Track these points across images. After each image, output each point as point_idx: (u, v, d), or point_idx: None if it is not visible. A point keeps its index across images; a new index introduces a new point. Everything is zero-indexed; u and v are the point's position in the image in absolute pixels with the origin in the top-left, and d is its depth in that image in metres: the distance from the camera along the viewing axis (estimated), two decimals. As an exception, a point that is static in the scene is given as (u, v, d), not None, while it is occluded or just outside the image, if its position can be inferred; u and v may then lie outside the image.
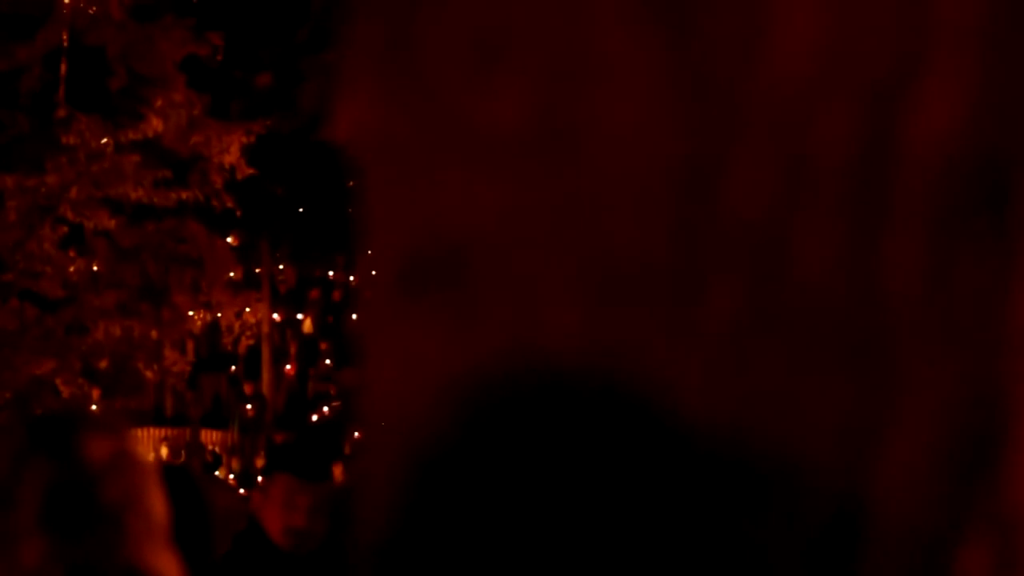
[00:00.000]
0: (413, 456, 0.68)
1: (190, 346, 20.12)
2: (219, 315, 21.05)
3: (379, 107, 0.71)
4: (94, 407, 18.29)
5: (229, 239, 21.86)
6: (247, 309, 21.94)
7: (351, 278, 30.42)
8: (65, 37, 17.25)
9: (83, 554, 2.06)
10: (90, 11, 17.28)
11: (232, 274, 21.37)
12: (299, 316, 28.99)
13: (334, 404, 26.85)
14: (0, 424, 2.34)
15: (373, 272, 0.73)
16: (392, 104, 0.70)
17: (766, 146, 0.64)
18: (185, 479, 3.52)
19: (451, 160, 0.68)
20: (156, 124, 17.03)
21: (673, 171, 0.64)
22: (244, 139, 18.95)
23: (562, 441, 0.65)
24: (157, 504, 2.16)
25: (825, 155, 0.65)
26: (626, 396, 0.65)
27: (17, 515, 2.05)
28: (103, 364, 16.98)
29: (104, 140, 16.36)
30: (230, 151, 18.73)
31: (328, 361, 28.57)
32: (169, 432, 24.59)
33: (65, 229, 16.47)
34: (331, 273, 29.93)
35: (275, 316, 26.05)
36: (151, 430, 24.37)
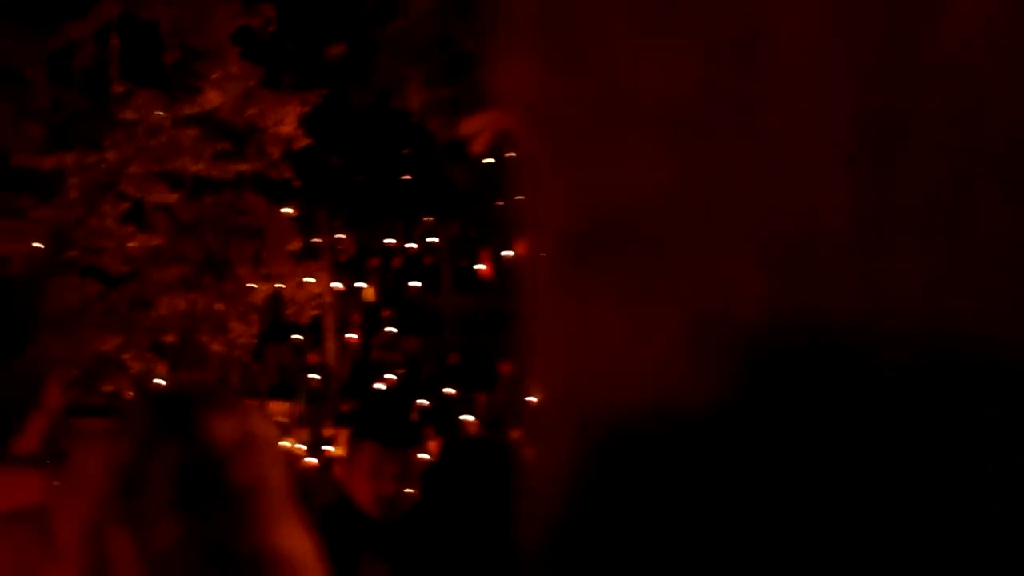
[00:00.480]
0: (592, 430, 0.67)
1: (253, 318, 20.09)
2: (281, 286, 21.06)
3: (539, 79, 0.70)
4: (161, 381, 18.40)
5: (288, 209, 21.89)
6: (309, 279, 21.95)
7: (410, 245, 30.50)
8: (117, 12, 17.24)
9: (216, 534, 2.06)
10: (141, -15, 17.28)
11: (292, 245, 21.38)
12: (360, 285, 29.00)
13: (398, 372, 26.90)
14: (117, 406, 2.30)
15: (534, 244, 0.72)
16: (554, 76, 0.69)
17: (951, 105, 0.63)
18: None
19: (620, 131, 0.67)
20: (213, 97, 17.03)
21: (852, 134, 0.63)
22: (300, 109, 18.94)
23: (788, 408, 0.64)
24: (285, 482, 2.17)
25: (1003, 119, 0.64)
26: (828, 351, 0.64)
27: (149, 496, 2.04)
28: (169, 338, 17.01)
29: (162, 114, 16.35)
30: (286, 122, 18.74)
31: (391, 329, 28.59)
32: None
33: (126, 205, 16.48)
34: (390, 240, 29.90)
35: (336, 285, 26.04)
36: (216, 402, 24.43)
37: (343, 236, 27.18)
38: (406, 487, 4.91)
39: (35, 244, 15.80)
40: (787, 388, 0.61)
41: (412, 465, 5.08)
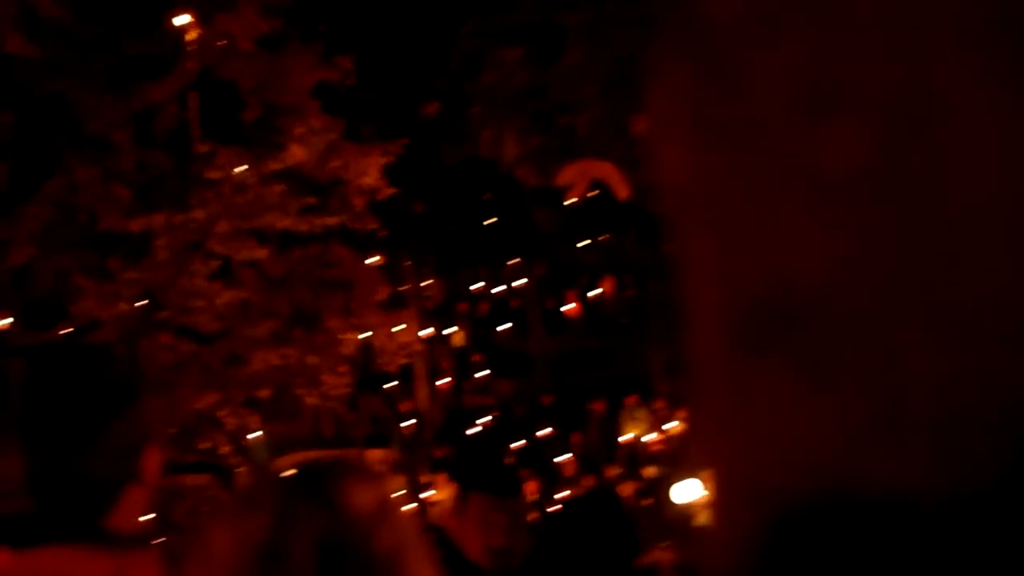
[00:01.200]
0: (767, 526, 0.61)
1: (345, 368, 20.12)
2: (371, 336, 21.08)
3: (700, 155, 0.65)
4: (256, 435, 18.44)
5: (374, 259, 21.88)
6: (398, 328, 21.96)
7: (497, 289, 30.50)
8: (196, 72, 17.35)
9: None
10: (218, 44, 17.37)
11: (380, 294, 21.39)
12: (449, 330, 29.01)
13: (492, 415, 26.85)
14: (260, 475, 2.23)
15: (697, 330, 0.67)
16: (715, 152, 0.64)
17: None
18: None
19: (788, 208, 0.62)
20: (296, 152, 17.08)
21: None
22: (382, 160, 18.99)
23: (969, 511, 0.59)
24: (424, 546, 2.13)
25: None
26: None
27: (291, 566, 2.00)
28: (264, 393, 17.03)
29: (246, 171, 16.41)
30: (369, 173, 18.79)
31: (482, 373, 28.53)
32: (332, 454, 24.67)
33: (215, 262, 16.53)
34: (477, 285, 29.92)
35: (426, 332, 26.06)
36: (312, 453, 24.48)
37: (430, 283, 27.25)
38: (516, 537, 4.80)
39: (126, 306, 15.83)
40: (985, 473, 0.54)
41: (520, 514, 5.05)
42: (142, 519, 2.52)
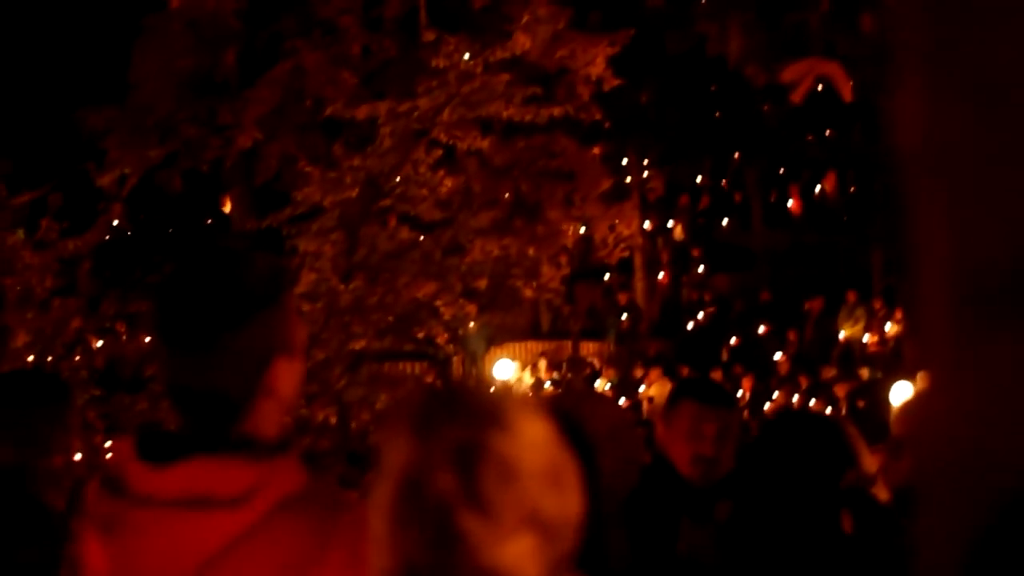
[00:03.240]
0: (993, 513, 0.68)
1: (564, 260, 19.86)
2: (592, 228, 20.81)
3: (938, 113, 0.71)
4: (472, 324, 18.28)
5: (595, 150, 21.63)
6: (618, 220, 21.63)
7: (721, 182, 30.00)
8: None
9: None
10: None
11: (602, 186, 21.08)
12: (670, 223, 28.68)
13: (708, 311, 26.45)
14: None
15: (926, 290, 0.73)
16: (957, 110, 0.70)
17: None
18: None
19: None
20: (523, 41, 16.71)
21: None
22: (609, 50, 18.57)
23: None
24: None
25: None
26: None
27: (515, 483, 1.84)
28: (482, 283, 16.85)
29: (472, 60, 16.10)
30: (595, 63, 18.41)
31: (701, 267, 28.23)
32: (547, 346, 24.56)
33: (438, 151, 16.33)
34: (699, 178, 29.46)
35: (646, 225, 25.70)
36: (529, 344, 24.38)
37: (652, 175, 26.89)
38: (724, 448, 4.50)
39: (348, 192, 15.71)
40: None
41: (731, 425, 4.60)
42: (275, 429, 2.41)
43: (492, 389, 2.01)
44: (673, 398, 4.68)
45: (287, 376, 2.40)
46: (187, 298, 2.36)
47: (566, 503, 1.87)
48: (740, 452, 4.54)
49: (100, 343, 13.83)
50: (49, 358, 12.50)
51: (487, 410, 1.88)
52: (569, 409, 2.60)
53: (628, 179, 25.12)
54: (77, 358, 12.85)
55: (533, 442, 1.86)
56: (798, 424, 4.07)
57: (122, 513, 2.35)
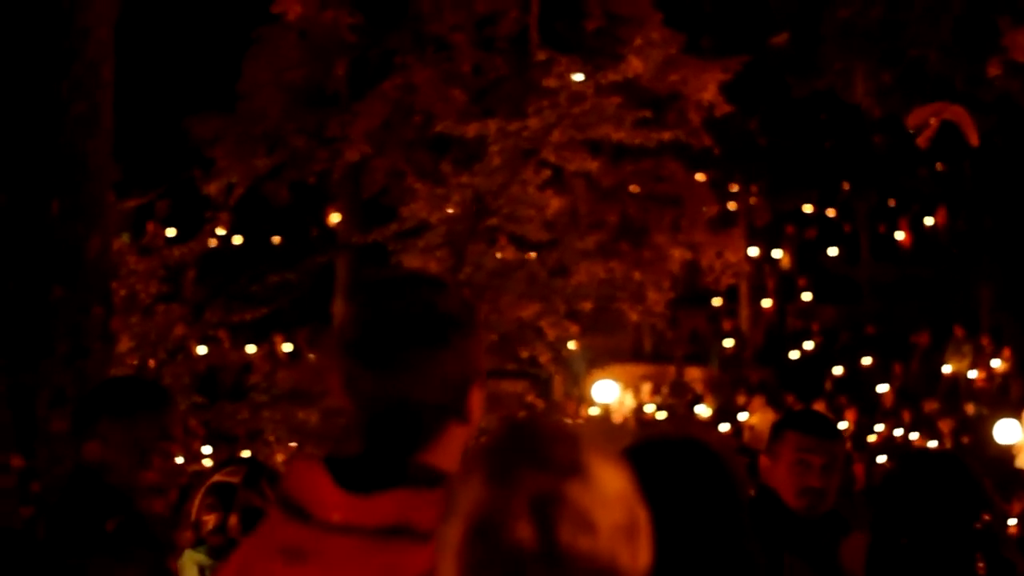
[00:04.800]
0: None
1: (666, 284, 19.62)
2: (698, 253, 20.52)
3: None
4: (572, 345, 18.05)
5: (702, 175, 21.40)
6: (725, 247, 21.32)
7: (828, 212, 29.56)
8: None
9: None
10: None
11: (709, 212, 20.82)
12: (776, 252, 28.31)
13: (814, 340, 26.02)
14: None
15: None
16: None
17: None
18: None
19: None
20: (635, 64, 16.45)
21: None
22: (721, 76, 18.30)
23: None
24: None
25: None
26: None
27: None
28: (587, 305, 16.63)
29: (584, 81, 15.88)
30: (707, 88, 18.12)
31: (806, 296, 27.83)
32: (648, 369, 24.27)
33: (547, 172, 16.14)
34: (807, 207, 29.05)
35: (752, 252, 25.38)
36: (630, 367, 24.08)
37: (759, 203, 26.55)
38: (832, 480, 4.41)
39: (455, 210, 15.57)
40: None
41: (838, 457, 4.49)
42: (457, 459, 2.34)
43: (575, 422, 1.75)
44: (778, 429, 4.57)
45: (478, 403, 2.36)
46: (386, 317, 2.30)
47: (638, 556, 1.80)
48: (872, 491, 4.36)
49: (203, 350, 13.76)
50: (151, 363, 12.41)
51: (567, 457, 1.79)
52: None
53: (734, 205, 24.83)
54: (179, 364, 12.76)
55: (612, 494, 1.79)
56: (933, 464, 3.93)
57: (311, 540, 2.28)
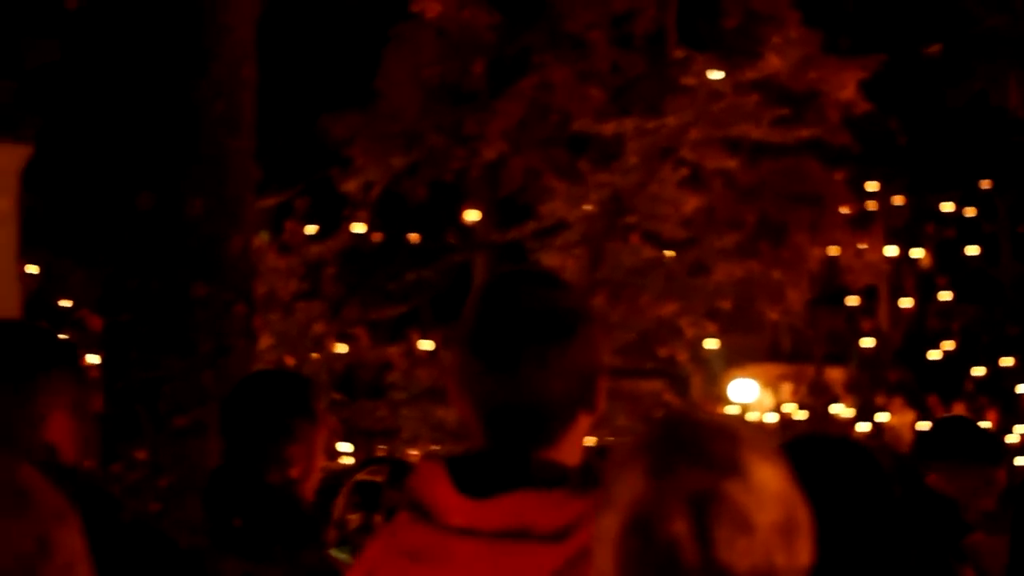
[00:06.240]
0: None
1: (804, 283, 19.34)
2: (837, 252, 20.23)
3: None
4: (711, 343, 17.88)
5: (841, 174, 21.10)
6: (864, 246, 21.02)
7: (968, 211, 28.99)
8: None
9: None
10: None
11: (848, 211, 20.51)
12: (915, 251, 27.84)
13: (954, 340, 25.55)
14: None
15: None
16: None
17: None
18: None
19: None
20: (773, 62, 16.27)
21: None
22: (860, 75, 18.02)
23: None
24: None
25: None
26: None
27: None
28: (727, 304, 16.46)
29: (721, 79, 15.71)
30: (846, 86, 17.87)
31: (946, 296, 27.35)
32: (786, 369, 24.01)
33: (685, 170, 15.99)
34: (945, 206, 28.54)
35: (891, 251, 24.96)
36: (768, 367, 23.84)
37: (899, 201, 26.12)
38: (985, 503, 4.26)
39: (592, 208, 15.54)
40: None
41: (994, 481, 4.34)
42: (580, 453, 2.32)
43: (732, 418, 1.68)
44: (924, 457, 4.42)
45: (604, 394, 2.34)
46: (510, 314, 2.29)
47: (798, 556, 1.80)
48: (1013, 492, 4.30)
49: (342, 348, 13.80)
50: (290, 360, 12.46)
51: (727, 455, 1.79)
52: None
53: (873, 204, 24.45)
54: (317, 362, 12.81)
55: (770, 493, 1.78)
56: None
57: (435, 543, 2.26)
